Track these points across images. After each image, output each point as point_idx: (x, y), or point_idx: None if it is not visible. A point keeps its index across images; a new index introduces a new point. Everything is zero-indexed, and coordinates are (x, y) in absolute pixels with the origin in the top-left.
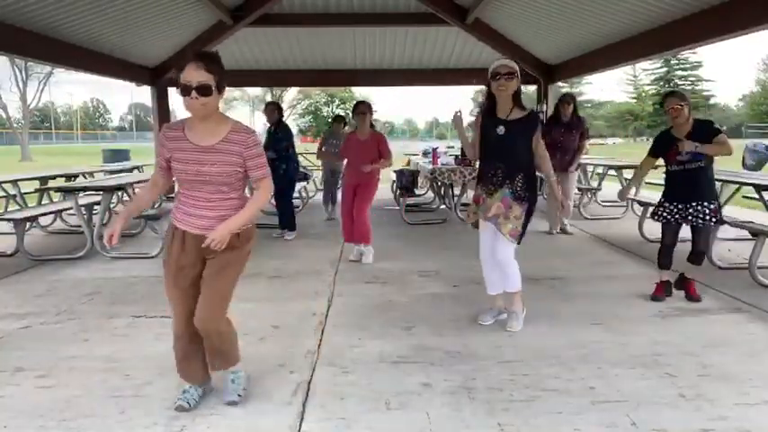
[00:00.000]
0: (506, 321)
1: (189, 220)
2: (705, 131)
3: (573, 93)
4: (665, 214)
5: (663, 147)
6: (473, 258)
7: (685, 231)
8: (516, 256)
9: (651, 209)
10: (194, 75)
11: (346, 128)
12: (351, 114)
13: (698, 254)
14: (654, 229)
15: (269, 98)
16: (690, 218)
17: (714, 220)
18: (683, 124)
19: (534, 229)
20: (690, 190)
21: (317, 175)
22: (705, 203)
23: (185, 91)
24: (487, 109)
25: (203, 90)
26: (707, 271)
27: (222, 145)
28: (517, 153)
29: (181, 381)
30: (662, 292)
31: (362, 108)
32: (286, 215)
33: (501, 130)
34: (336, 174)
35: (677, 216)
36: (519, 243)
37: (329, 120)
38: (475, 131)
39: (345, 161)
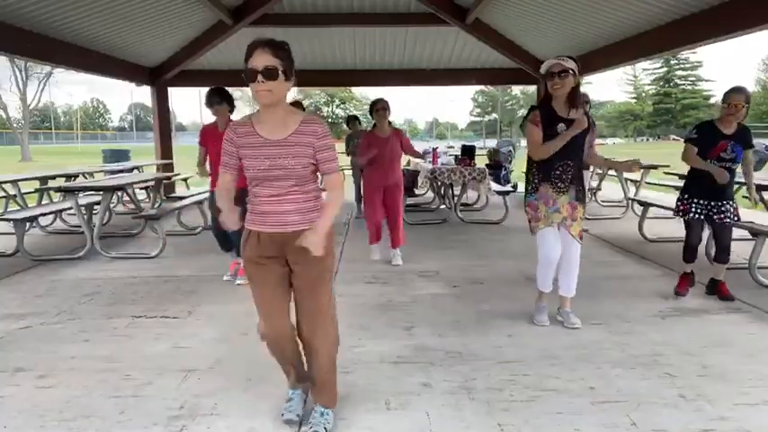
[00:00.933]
0: (566, 320)
1: (264, 219)
2: (746, 138)
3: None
4: (697, 210)
5: (707, 139)
6: (473, 258)
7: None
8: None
9: (675, 204)
10: (260, 59)
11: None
12: (369, 112)
13: (725, 251)
14: (654, 229)
15: None
16: (719, 216)
17: (737, 218)
18: (732, 123)
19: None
20: (723, 188)
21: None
22: (731, 202)
23: (251, 76)
24: (545, 107)
25: (269, 74)
26: (707, 271)
27: (295, 137)
28: (580, 152)
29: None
30: (686, 286)
31: (383, 104)
32: None
33: (562, 128)
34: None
35: (706, 213)
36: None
37: (335, 121)
38: (532, 130)
39: (364, 160)
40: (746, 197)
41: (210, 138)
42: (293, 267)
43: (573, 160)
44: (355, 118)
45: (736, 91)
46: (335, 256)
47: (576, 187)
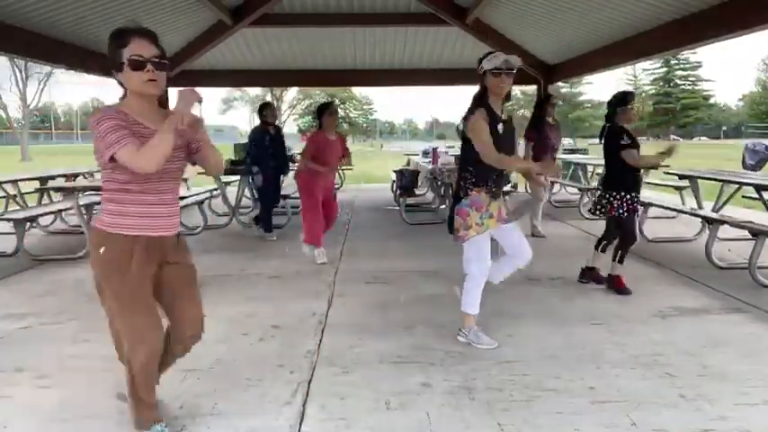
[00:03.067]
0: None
1: (153, 221)
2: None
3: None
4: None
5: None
6: None
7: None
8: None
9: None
10: (146, 48)
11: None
12: (317, 115)
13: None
14: (655, 229)
15: (269, 98)
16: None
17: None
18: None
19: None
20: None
21: None
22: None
23: (136, 64)
24: (486, 107)
25: (161, 65)
26: (707, 271)
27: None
28: (513, 152)
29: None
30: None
31: (335, 107)
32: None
33: (501, 128)
34: None
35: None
36: None
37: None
38: (483, 127)
39: (309, 161)
40: (746, 197)
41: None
42: (170, 269)
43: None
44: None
45: (633, 94)
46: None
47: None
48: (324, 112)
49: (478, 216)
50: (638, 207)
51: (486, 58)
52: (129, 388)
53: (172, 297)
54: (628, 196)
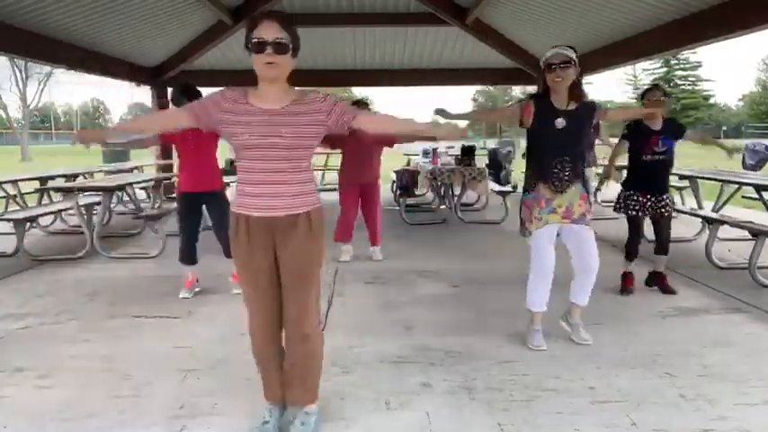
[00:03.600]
0: (575, 333)
1: (253, 201)
2: (675, 129)
3: None
4: (636, 206)
5: (638, 137)
6: (473, 258)
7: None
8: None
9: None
10: (270, 31)
11: None
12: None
13: (665, 243)
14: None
15: None
16: (658, 209)
17: (673, 210)
18: (657, 118)
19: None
20: (660, 181)
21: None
22: (668, 195)
23: (258, 47)
24: (542, 100)
25: (280, 47)
26: (707, 271)
27: (293, 107)
28: (581, 143)
29: (261, 399)
30: (632, 282)
31: (364, 105)
32: None
33: (561, 122)
34: None
35: (646, 207)
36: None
37: None
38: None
39: (342, 159)
40: (746, 197)
41: (178, 136)
42: (281, 253)
43: (570, 156)
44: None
45: (652, 89)
46: (323, 244)
47: (582, 180)
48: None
49: (538, 210)
50: (631, 204)
51: (544, 55)
52: None
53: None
54: (625, 193)
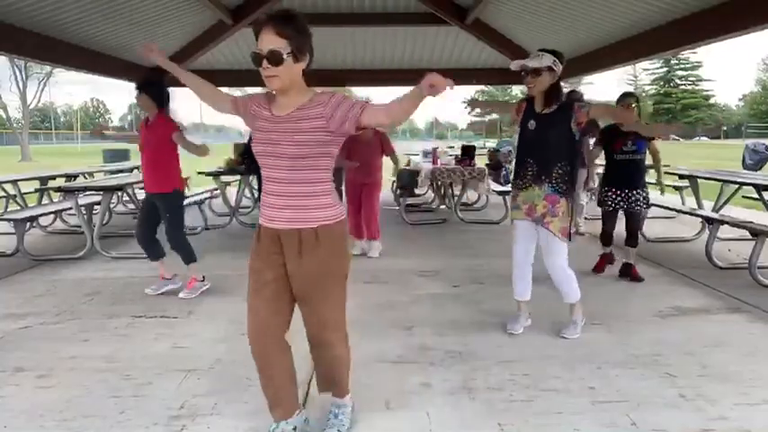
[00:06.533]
0: (561, 328)
1: (264, 211)
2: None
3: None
4: (613, 201)
5: (611, 138)
6: (473, 258)
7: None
8: (571, 263)
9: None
10: (265, 41)
11: None
12: None
13: (635, 236)
14: (655, 228)
15: None
16: (629, 203)
17: (646, 206)
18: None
19: None
20: (632, 178)
21: None
22: (641, 191)
23: (257, 60)
24: (530, 102)
25: (275, 58)
26: (707, 271)
27: (299, 113)
28: (549, 146)
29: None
30: (604, 264)
31: None
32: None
33: (532, 124)
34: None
35: (620, 202)
36: (570, 240)
37: None
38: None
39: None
40: (746, 197)
41: (141, 137)
42: (288, 267)
43: (534, 157)
44: None
45: (627, 95)
46: (348, 256)
47: (554, 180)
48: None
49: (511, 205)
50: (608, 200)
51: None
52: None
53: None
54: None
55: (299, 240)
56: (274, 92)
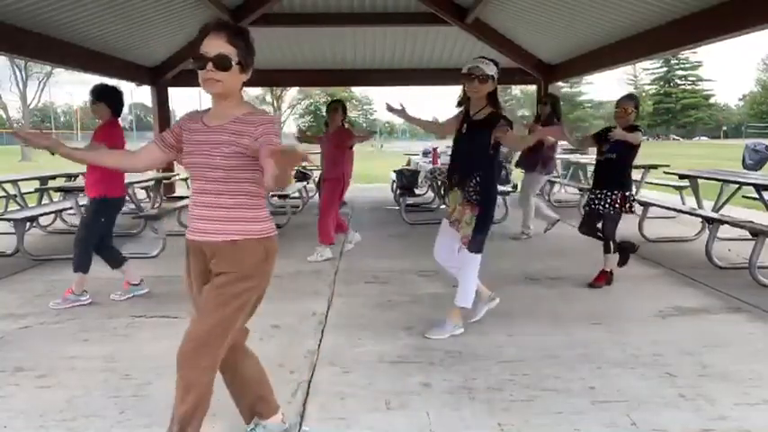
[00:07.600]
0: (431, 326)
1: (191, 223)
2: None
3: (555, 93)
4: (592, 201)
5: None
6: None
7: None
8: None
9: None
10: (213, 44)
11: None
12: (327, 111)
13: (607, 241)
14: (655, 229)
15: (269, 98)
16: (597, 204)
17: (613, 209)
18: (622, 124)
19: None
20: (603, 177)
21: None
22: (611, 192)
23: (201, 62)
24: (465, 108)
25: (221, 62)
26: (707, 271)
27: (232, 125)
28: (472, 153)
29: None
30: (603, 279)
31: (335, 105)
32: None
33: (464, 128)
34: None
35: (595, 201)
36: (478, 252)
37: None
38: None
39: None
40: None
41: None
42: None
43: (460, 161)
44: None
45: (625, 99)
46: (260, 279)
47: (467, 188)
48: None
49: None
50: (591, 202)
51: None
52: None
53: None
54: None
55: (221, 251)
56: (211, 100)
